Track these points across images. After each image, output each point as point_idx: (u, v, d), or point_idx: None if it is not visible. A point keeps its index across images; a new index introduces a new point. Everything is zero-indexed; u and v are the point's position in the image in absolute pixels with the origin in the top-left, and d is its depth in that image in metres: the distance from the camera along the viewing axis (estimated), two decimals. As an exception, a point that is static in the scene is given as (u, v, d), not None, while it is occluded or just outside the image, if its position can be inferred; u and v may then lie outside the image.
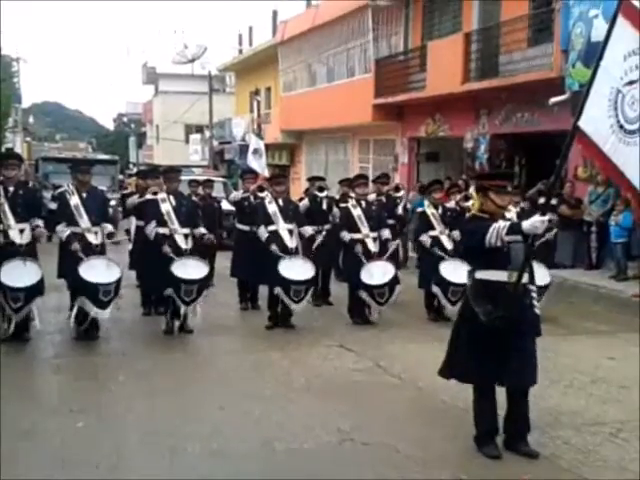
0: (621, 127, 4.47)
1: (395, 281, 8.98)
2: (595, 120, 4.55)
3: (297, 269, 8.64)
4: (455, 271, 8.52)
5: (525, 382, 4.93)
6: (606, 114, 4.52)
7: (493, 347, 4.85)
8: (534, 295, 5.02)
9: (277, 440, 5.16)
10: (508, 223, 4.77)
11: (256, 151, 12.94)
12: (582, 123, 4.56)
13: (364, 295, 8.91)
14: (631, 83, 4.42)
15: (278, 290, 8.59)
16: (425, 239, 9.28)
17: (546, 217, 4.59)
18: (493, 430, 5.00)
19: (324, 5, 23.08)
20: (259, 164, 12.67)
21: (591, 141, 4.59)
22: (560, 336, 8.49)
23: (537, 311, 5.05)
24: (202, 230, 8.58)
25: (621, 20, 4.45)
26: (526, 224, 4.60)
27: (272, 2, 41.46)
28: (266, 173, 12.26)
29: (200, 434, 5.25)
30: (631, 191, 4.57)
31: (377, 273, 8.89)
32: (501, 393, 5.03)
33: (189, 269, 8.21)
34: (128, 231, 10.62)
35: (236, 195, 10.58)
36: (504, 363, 4.86)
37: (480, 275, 4.96)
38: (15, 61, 38.42)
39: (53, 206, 9.61)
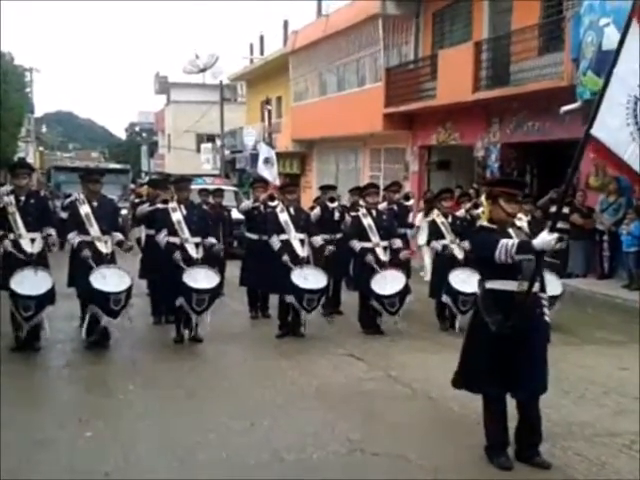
0: None
1: (406, 290, 8.94)
2: (612, 129, 4.50)
3: (310, 278, 8.65)
4: (465, 281, 8.50)
5: (535, 390, 4.89)
6: (624, 122, 4.48)
7: (503, 357, 4.82)
8: (545, 303, 4.99)
9: (286, 450, 5.13)
10: (517, 242, 4.70)
11: (267, 160, 12.91)
12: (596, 131, 4.50)
13: (375, 304, 8.87)
14: None
15: (291, 299, 8.58)
16: (436, 245, 9.28)
17: (555, 234, 4.55)
18: (504, 441, 4.96)
19: (335, 15, 23.14)
20: (270, 173, 12.64)
21: (606, 148, 4.54)
22: (572, 346, 8.44)
23: (547, 319, 5.01)
24: (212, 240, 8.61)
25: (635, 26, 4.41)
26: (537, 242, 4.57)
27: (283, 12, 41.52)
28: (277, 182, 12.25)
29: (209, 443, 5.24)
30: None
31: (388, 282, 8.85)
32: (512, 403, 4.99)
33: (200, 278, 8.23)
34: (139, 240, 10.64)
35: (246, 204, 10.59)
36: (515, 373, 4.83)
37: (490, 285, 4.93)
38: (28, 71, 38.67)
39: (64, 215, 9.64)
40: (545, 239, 4.54)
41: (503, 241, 4.71)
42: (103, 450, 5.12)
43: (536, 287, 4.86)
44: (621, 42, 4.45)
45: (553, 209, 13.17)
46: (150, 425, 5.67)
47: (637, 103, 4.44)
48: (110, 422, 5.70)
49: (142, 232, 10.26)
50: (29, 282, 7.55)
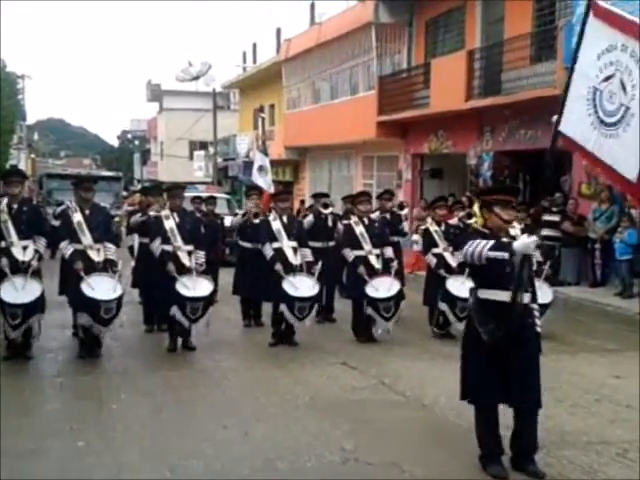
0: (602, 122, 4.60)
1: (401, 296, 8.93)
2: (575, 122, 4.71)
3: (302, 286, 8.61)
4: (462, 286, 8.48)
5: (532, 403, 4.88)
6: (585, 113, 4.67)
7: (495, 367, 4.81)
8: (536, 314, 5.00)
9: (280, 459, 5.11)
10: (493, 241, 4.72)
11: (261, 168, 12.87)
12: (563, 127, 4.74)
13: (369, 310, 8.84)
14: (607, 79, 4.58)
15: (282, 307, 8.56)
16: (431, 258, 9.26)
17: (534, 237, 4.64)
18: (498, 450, 4.95)
19: (328, 23, 23.20)
20: (265, 181, 12.62)
21: (575, 143, 4.78)
22: (565, 354, 8.44)
23: (538, 329, 5.02)
24: (200, 255, 8.47)
25: (592, 21, 4.63)
26: (517, 245, 4.61)
27: (276, 20, 41.63)
28: (272, 190, 12.24)
29: (203, 453, 5.21)
30: (623, 183, 4.67)
31: (382, 287, 8.84)
32: (508, 412, 4.98)
33: (194, 287, 8.20)
34: (132, 248, 10.60)
35: (237, 220, 10.56)
36: (508, 383, 4.81)
37: (482, 294, 4.93)
38: (20, 78, 38.58)
39: (57, 223, 9.60)
40: (525, 242, 4.60)
41: (477, 240, 4.73)
42: (95, 460, 5.09)
43: (527, 298, 4.87)
44: (580, 38, 4.68)
45: (545, 217, 13.26)
46: (143, 435, 5.63)
47: (596, 93, 4.62)
48: (102, 432, 5.66)
49: (135, 240, 10.22)
50: (18, 290, 7.50)
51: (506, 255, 4.64)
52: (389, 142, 20.00)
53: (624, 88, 4.50)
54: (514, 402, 4.88)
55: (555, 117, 4.82)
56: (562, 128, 4.77)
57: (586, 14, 4.68)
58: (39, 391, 6.97)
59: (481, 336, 4.81)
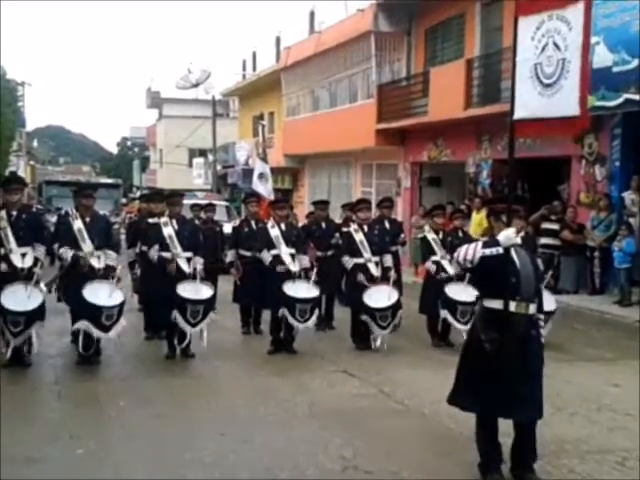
0: (546, 86, 4.94)
1: (398, 305, 8.93)
2: (525, 102, 5.08)
3: (302, 289, 8.64)
4: (461, 291, 8.50)
5: (531, 416, 4.87)
6: (533, 90, 5.03)
7: (497, 377, 4.79)
8: (542, 324, 5.00)
9: (279, 468, 5.10)
10: (481, 241, 4.89)
11: (262, 175, 12.91)
12: (517, 114, 5.11)
13: (365, 317, 8.83)
14: (543, 49, 4.94)
15: (283, 311, 8.55)
16: (430, 265, 9.25)
17: (513, 228, 4.81)
18: (497, 458, 4.93)
19: (327, 31, 23.26)
20: (265, 188, 12.65)
21: (530, 121, 5.14)
22: (564, 362, 8.43)
23: (542, 340, 5.02)
24: (199, 266, 8.48)
25: (520, 20, 5.10)
26: (501, 238, 4.76)
27: (276, 28, 41.74)
28: (272, 197, 12.27)
29: (202, 461, 5.20)
30: (569, 125, 5.00)
31: (380, 296, 8.84)
32: (509, 421, 4.98)
33: (195, 290, 8.21)
34: (132, 264, 10.43)
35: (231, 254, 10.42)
36: (509, 395, 4.79)
37: (488, 303, 4.93)
38: (20, 85, 38.66)
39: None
40: (506, 234, 4.76)
41: (466, 245, 4.87)
42: (94, 467, 5.08)
43: (533, 308, 4.87)
44: (515, 36, 5.12)
45: (545, 225, 13.28)
46: (142, 442, 5.63)
47: (537, 67, 5.00)
48: (101, 439, 5.66)
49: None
50: (19, 297, 7.50)
51: (500, 249, 4.72)
52: (388, 150, 20.03)
53: (558, 47, 4.86)
54: (514, 416, 4.87)
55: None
56: (517, 116, 5.13)
57: (516, 18, 5.13)
58: (38, 398, 6.95)
59: (483, 345, 4.81)
